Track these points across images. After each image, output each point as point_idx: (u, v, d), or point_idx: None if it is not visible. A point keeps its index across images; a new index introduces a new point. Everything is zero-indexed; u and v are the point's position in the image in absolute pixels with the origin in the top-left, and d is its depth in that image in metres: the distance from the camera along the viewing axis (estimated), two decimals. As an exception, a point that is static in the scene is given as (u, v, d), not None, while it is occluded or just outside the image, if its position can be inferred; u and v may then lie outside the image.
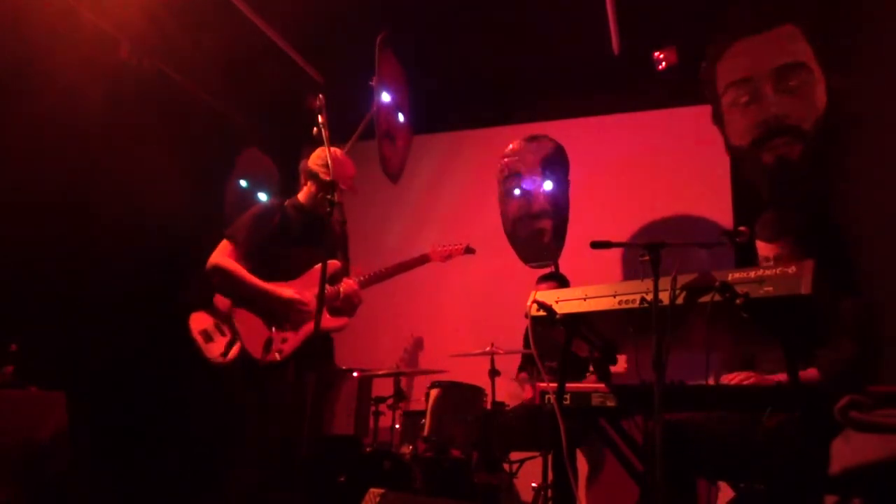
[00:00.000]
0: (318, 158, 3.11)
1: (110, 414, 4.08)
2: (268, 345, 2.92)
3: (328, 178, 3.06)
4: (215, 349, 4.02)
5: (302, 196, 3.19)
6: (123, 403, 4.19)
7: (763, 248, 2.44)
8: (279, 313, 2.96)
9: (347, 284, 3.06)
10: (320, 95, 2.64)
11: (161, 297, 4.32)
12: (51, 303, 3.85)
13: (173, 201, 4.42)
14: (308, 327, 2.94)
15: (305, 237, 3.09)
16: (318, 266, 3.00)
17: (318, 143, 2.82)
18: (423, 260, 3.46)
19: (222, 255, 3.01)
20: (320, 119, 2.61)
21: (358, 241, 3.62)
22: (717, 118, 3.88)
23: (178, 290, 4.26)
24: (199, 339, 4.04)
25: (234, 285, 2.99)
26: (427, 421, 3.77)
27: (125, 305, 4.22)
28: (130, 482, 4.00)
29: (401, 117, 4.88)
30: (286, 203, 3.18)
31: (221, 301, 4.07)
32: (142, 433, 4.22)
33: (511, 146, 5.27)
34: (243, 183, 5.42)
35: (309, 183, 3.16)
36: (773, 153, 3.60)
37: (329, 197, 2.49)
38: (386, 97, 4.55)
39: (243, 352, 2.98)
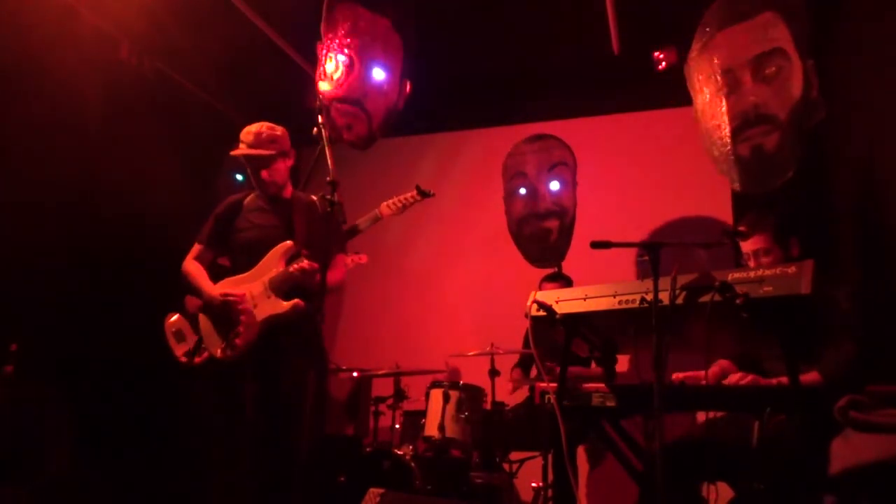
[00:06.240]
0: (245, 138, 3.02)
1: (110, 414, 4.08)
2: (224, 342, 2.91)
3: (254, 153, 2.97)
4: (183, 349, 4.06)
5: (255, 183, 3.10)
6: (123, 403, 4.19)
7: (744, 245, 2.53)
8: (223, 312, 2.93)
9: (300, 262, 2.87)
10: (320, 95, 2.64)
11: (161, 297, 4.31)
12: (51, 303, 3.84)
13: (173, 201, 4.42)
14: (255, 321, 2.86)
15: (263, 225, 3.02)
16: (271, 252, 2.92)
17: (317, 142, 2.82)
18: (375, 218, 3.29)
19: (188, 258, 3.07)
20: (320, 119, 2.62)
21: (359, 241, 3.61)
22: (698, 115, 3.83)
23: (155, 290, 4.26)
24: (172, 340, 4.09)
25: (190, 288, 3.06)
26: (427, 421, 3.77)
27: (125, 305, 4.21)
28: (130, 482, 4.00)
29: (378, 74, 4.24)
30: (247, 196, 3.13)
31: (191, 301, 4.10)
32: (142, 433, 4.22)
33: (517, 145, 5.27)
34: (239, 177, 5.31)
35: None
36: (749, 144, 3.56)
37: (329, 197, 2.49)
38: (341, 58, 4.10)
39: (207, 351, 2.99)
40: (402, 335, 5.24)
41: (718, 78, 3.67)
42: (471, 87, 5.36)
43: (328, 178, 2.55)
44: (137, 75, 4.68)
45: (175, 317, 4.15)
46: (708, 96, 3.73)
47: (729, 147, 3.61)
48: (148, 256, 4.41)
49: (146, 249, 4.43)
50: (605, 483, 4.38)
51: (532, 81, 5.25)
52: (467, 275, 5.32)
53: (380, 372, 4.16)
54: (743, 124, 3.58)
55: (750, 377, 2.05)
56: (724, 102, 3.64)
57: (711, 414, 2.43)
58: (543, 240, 5.04)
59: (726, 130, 3.63)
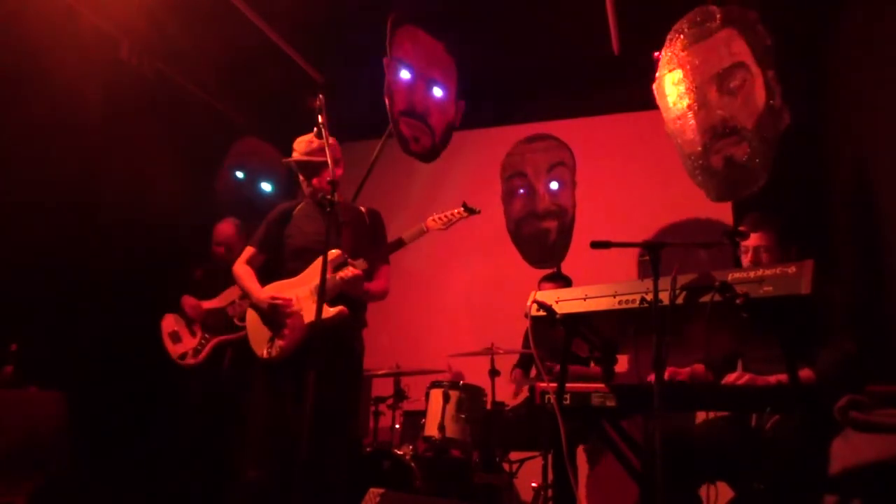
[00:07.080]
0: (298, 146, 3.07)
1: (110, 414, 4.08)
2: (269, 343, 2.92)
3: (306, 160, 3.02)
4: (179, 350, 4.06)
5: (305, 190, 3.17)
6: (123, 403, 4.19)
7: (745, 240, 2.57)
8: (270, 315, 2.96)
9: (346, 271, 2.91)
10: (320, 95, 2.64)
11: (160, 297, 4.32)
12: (51, 303, 3.84)
13: (173, 201, 4.42)
14: (301, 325, 2.89)
15: (312, 232, 3.07)
16: (319, 259, 2.97)
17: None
18: (421, 232, 3.33)
19: (239, 260, 3.12)
20: (320, 119, 2.62)
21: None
22: (671, 130, 3.93)
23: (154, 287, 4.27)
24: (168, 340, 4.10)
25: (241, 289, 3.14)
26: (427, 421, 3.77)
27: (125, 304, 4.21)
28: (130, 482, 4.00)
29: (437, 92, 4.65)
30: (299, 204, 3.19)
31: (187, 302, 4.10)
32: (142, 433, 4.22)
33: (515, 145, 5.26)
34: (240, 174, 5.32)
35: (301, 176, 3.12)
36: (721, 155, 3.69)
37: (329, 197, 2.49)
38: (405, 74, 4.38)
39: (240, 350, 2.99)
40: (402, 335, 5.24)
41: (687, 96, 3.81)
42: (471, 87, 5.36)
43: (328, 178, 2.55)
44: (137, 75, 4.68)
45: (171, 317, 4.16)
46: (678, 114, 3.86)
47: (702, 161, 3.74)
48: (148, 256, 4.41)
49: (146, 249, 4.43)
50: (605, 483, 4.38)
51: (532, 81, 5.25)
52: (467, 275, 5.32)
53: (380, 372, 4.16)
54: (714, 137, 3.71)
55: (747, 376, 2.05)
56: (693, 119, 3.78)
57: (712, 414, 2.43)
58: (542, 240, 5.04)
59: (698, 145, 3.76)
